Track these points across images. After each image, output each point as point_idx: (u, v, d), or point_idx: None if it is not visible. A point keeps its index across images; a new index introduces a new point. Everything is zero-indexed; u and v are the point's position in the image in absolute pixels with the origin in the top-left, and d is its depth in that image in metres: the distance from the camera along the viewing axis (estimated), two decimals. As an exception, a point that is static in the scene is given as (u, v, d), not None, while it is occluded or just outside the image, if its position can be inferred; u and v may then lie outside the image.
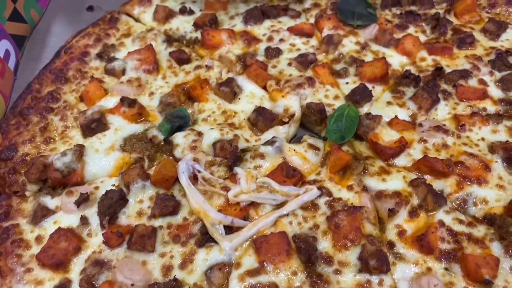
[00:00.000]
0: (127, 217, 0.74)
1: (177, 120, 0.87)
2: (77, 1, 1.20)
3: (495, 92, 0.88)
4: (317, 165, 0.79)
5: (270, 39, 1.00)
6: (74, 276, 0.68)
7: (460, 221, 0.71)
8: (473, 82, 0.89)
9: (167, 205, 0.74)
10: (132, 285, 0.65)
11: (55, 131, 0.88)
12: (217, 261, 0.68)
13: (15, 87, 1.01)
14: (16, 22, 1.07)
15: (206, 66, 0.95)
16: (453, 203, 0.73)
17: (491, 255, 0.66)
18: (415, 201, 0.73)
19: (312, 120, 0.86)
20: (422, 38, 0.98)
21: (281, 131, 0.84)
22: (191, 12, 1.07)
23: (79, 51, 1.01)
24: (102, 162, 0.83)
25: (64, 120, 0.89)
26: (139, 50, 0.97)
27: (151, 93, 0.92)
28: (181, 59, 0.98)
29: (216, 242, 0.70)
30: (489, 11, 1.03)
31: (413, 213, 0.71)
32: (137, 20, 1.08)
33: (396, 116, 0.83)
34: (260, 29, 1.02)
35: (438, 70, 0.90)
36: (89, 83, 0.92)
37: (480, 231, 0.70)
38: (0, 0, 1.00)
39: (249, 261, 0.67)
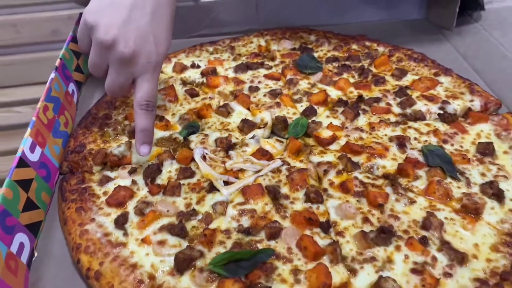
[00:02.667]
0: (161, 180, 1.14)
1: (191, 128, 1.29)
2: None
3: (396, 109, 1.32)
4: (281, 150, 1.20)
5: (252, 81, 1.45)
6: (130, 209, 1.05)
7: (368, 177, 1.12)
8: (382, 104, 1.34)
9: (187, 172, 1.15)
10: (168, 211, 1.04)
11: (110, 137, 1.30)
12: (219, 200, 1.06)
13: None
14: (78, 72, 1.54)
15: (210, 98, 1.41)
16: (364, 168, 1.15)
17: (385, 192, 1.07)
18: (340, 166, 1.14)
19: (279, 127, 1.28)
20: (352, 80, 1.44)
21: (258, 133, 1.27)
22: (198, 66, 1.55)
23: (124, 90, 1.47)
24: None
25: (115, 130, 1.31)
26: (164, 89, 1.42)
27: (173, 114, 1.35)
28: (193, 94, 1.43)
29: (218, 190, 1.09)
30: (397, 64, 1.54)
31: (338, 172, 1.11)
32: (161, 72, 1.56)
33: (331, 123, 1.28)
34: (245, 76, 1.48)
35: (360, 98, 1.37)
36: (132, 108, 1.37)
37: (379, 181, 1.11)
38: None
39: (239, 199, 1.06)
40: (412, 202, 1.04)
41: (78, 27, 1.45)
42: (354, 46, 1.60)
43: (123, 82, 1.09)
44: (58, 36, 3.64)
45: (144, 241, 0.97)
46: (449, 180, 1.08)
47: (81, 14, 1.59)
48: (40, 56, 3.71)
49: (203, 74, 1.49)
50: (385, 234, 0.94)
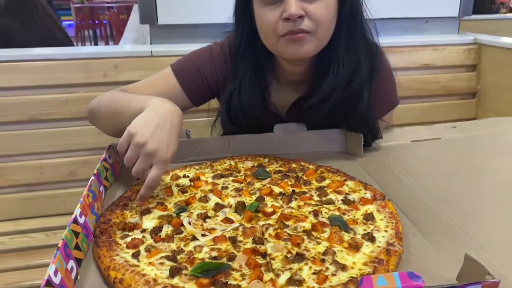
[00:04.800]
0: (162, 235, 1.74)
1: (181, 209, 1.92)
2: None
3: (316, 198, 1.97)
4: (240, 219, 1.85)
5: (223, 183, 2.13)
6: (142, 249, 1.58)
7: (293, 231, 1.73)
8: (307, 195, 2.03)
9: (178, 230, 1.75)
10: (165, 249, 1.63)
11: (127, 216, 1.93)
12: (198, 244, 1.62)
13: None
14: (106, 180, 2.24)
15: (195, 193, 2.10)
16: (291, 227, 1.77)
17: (302, 238, 1.69)
18: (276, 226, 1.76)
19: (239, 208, 1.91)
20: (289, 183, 2.14)
21: (226, 210, 1.91)
22: (188, 176, 2.25)
23: (136, 190, 2.15)
24: (150, 221, 1.87)
25: (131, 212, 1.96)
26: (164, 189, 2.09)
27: (170, 202, 1.99)
28: (183, 191, 2.08)
29: (198, 239, 1.70)
30: (320, 175, 2.28)
31: (275, 229, 1.72)
32: (162, 180, 2.27)
33: (273, 204, 1.94)
34: (219, 181, 2.16)
35: (293, 191, 2.07)
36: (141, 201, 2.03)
37: (300, 234, 1.72)
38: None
39: (211, 243, 1.64)
40: (318, 243, 1.67)
41: (108, 154, 2.22)
42: (293, 165, 2.37)
43: (145, 167, 1.85)
44: (75, 177, 4.49)
45: (151, 264, 1.55)
46: (343, 232, 1.73)
47: (110, 145, 2.37)
48: (58, 192, 4.48)
49: (191, 180, 2.20)
50: (299, 256, 1.56)
